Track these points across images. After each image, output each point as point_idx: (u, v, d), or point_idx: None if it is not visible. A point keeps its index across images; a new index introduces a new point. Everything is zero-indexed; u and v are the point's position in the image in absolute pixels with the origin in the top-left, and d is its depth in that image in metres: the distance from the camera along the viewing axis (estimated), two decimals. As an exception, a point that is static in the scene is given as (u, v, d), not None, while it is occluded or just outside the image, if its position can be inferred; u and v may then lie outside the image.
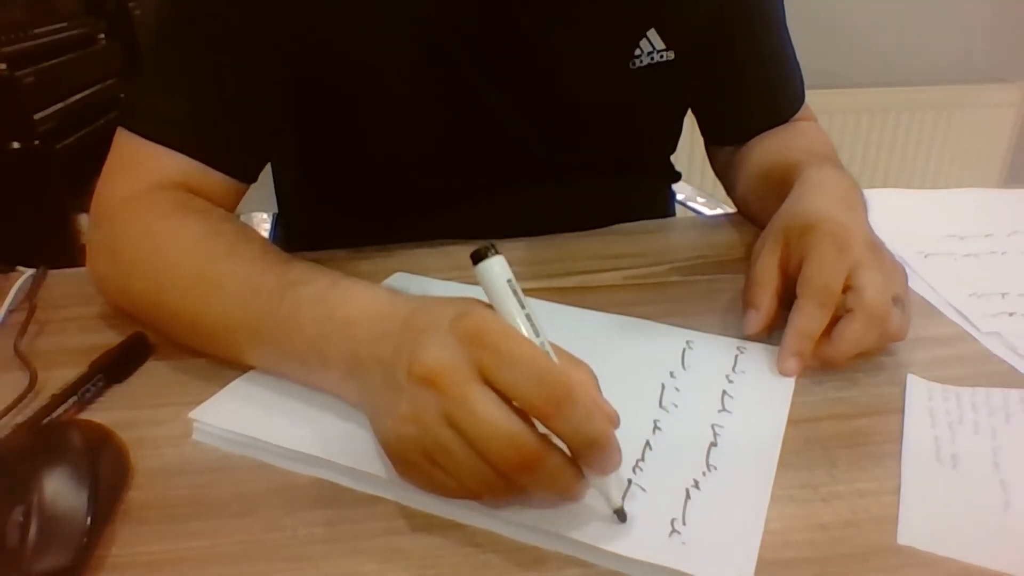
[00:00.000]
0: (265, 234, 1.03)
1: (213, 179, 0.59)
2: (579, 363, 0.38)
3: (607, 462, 0.36)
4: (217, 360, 0.50)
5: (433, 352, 0.36)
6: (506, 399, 0.35)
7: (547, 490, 0.36)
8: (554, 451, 0.35)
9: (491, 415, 0.34)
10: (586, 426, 0.35)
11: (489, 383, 0.35)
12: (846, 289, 0.49)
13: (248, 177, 0.63)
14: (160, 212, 0.55)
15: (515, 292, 0.37)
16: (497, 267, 0.37)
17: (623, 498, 0.38)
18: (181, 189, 0.58)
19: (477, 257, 0.37)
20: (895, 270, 0.52)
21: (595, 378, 0.38)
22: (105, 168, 0.59)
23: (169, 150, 0.57)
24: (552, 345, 0.37)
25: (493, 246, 0.37)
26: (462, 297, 0.39)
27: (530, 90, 0.68)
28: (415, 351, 0.36)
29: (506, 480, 0.35)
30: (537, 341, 0.36)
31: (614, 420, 0.37)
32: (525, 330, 0.36)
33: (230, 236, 0.52)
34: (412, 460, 0.37)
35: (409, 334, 0.38)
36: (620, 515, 0.37)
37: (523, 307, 0.37)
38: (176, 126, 0.58)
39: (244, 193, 0.63)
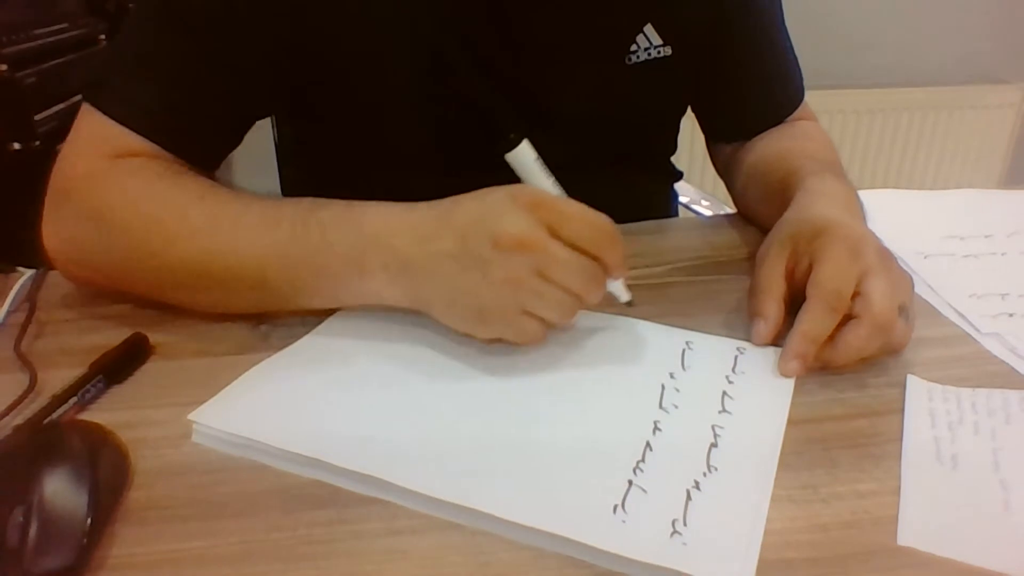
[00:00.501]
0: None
1: (178, 164, 0.60)
2: (593, 211, 0.48)
3: (625, 271, 0.51)
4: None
5: (513, 224, 0.45)
6: (572, 246, 0.46)
7: (597, 298, 0.49)
8: (602, 271, 0.48)
9: (570, 258, 0.46)
10: (622, 252, 0.49)
11: (557, 237, 0.46)
12: (854, 295, 0.49)
13: (209, 165, 0.64)
14: (151, 172, 0.56)
15: (543, 167, 0.50)
16: (526, 151, 0.50)
17: (624, 498, 0.39)
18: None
19: (508, 146, 0.49)
20: (902, 279, 0.52)
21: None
22: (68, 142, 0.59)
23: (133, 133, 0.58)
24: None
25: (517, 135, 0.50)
26: (490, 187, 0.48)
27: (526, 86, 0.67)
28: (495, 228, 0.46)
29: (578, 301, 0.48)
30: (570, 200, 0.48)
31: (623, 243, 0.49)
32: (559, 194, 0.50)
33: (226, 188, 0.56)
34: (508, 317, 0.47)
35: (470, 222, 0.47)
36: (630, 303, 0.54)
37: (549, 177, 0.50)
38: (145, 112, 0.59)
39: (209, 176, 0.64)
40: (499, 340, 0.49)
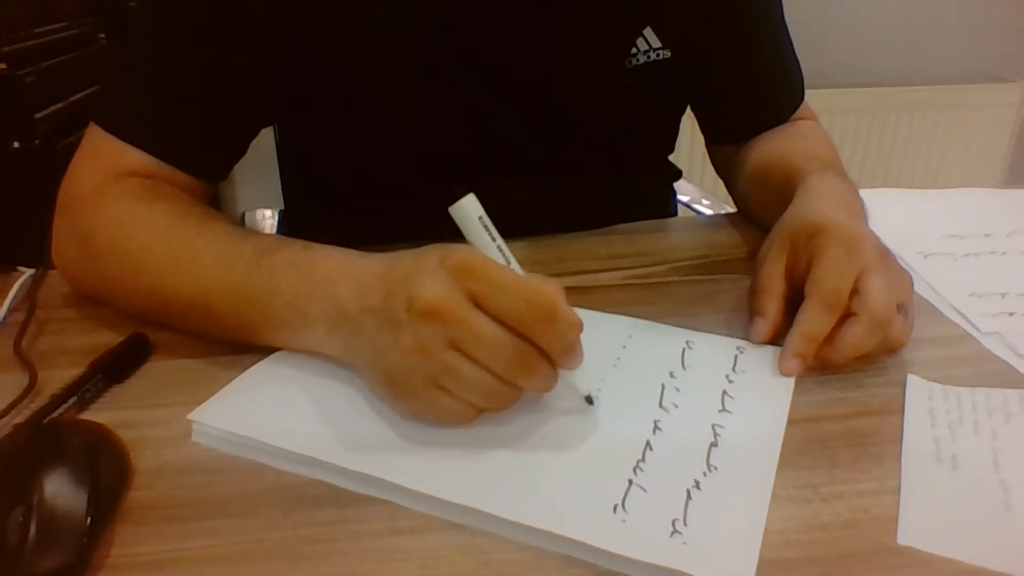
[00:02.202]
0: (271, 231, 1.04)
1: (179, 177, 0.60)
2: (547, 279, 0.42)
3: (577, 361, 0.43)
4: (201, 339, 0.51)
5: (430, 288, 0.40)
6: (499, 321, 0.40)
7: (536, 388, 0.43)
8: (543, 356, 0.41)
9: (492, 333, 0.40)
10: (566, 335, 0.41)
11: (482, 309, 0.40)
12: (852, 293, 0.49)
13: (212, 177, 0.64)
14: (129, 198, 0.56)
15: (487, 227, 0.42)
16: (468, 206, 0.42)
17: (624, 498, 0.39)
18: (153, 179, 0.59)
19: (451, 199, 0.42)
20: (901, 277, 0.52)
21: (563, 290, 0.42)
22: (73, 159, 0.60)
23: (133, 147, 0.58)
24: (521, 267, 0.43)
25: (463, 187, 0.42)
26: (434, 244, 0.43)
27: (525, 89, 0.67)
28: (412, 291, 0.40)
29: (508, 386, 0.42)
30: (511, 268, 0.42)
31: (580, 326, 0.42)
32: (500, 260, 0.42)
33: (199, 217, 0.55)
34: (417, 389, 0.42)
35: (398, 280, 0.42)
36: (589, 400, 0.45)
37: (495, 240, 0.42)
38: (143, 125, 0.59)
39: (211, 191, 0.64)
40: (418, 416, 0.44)
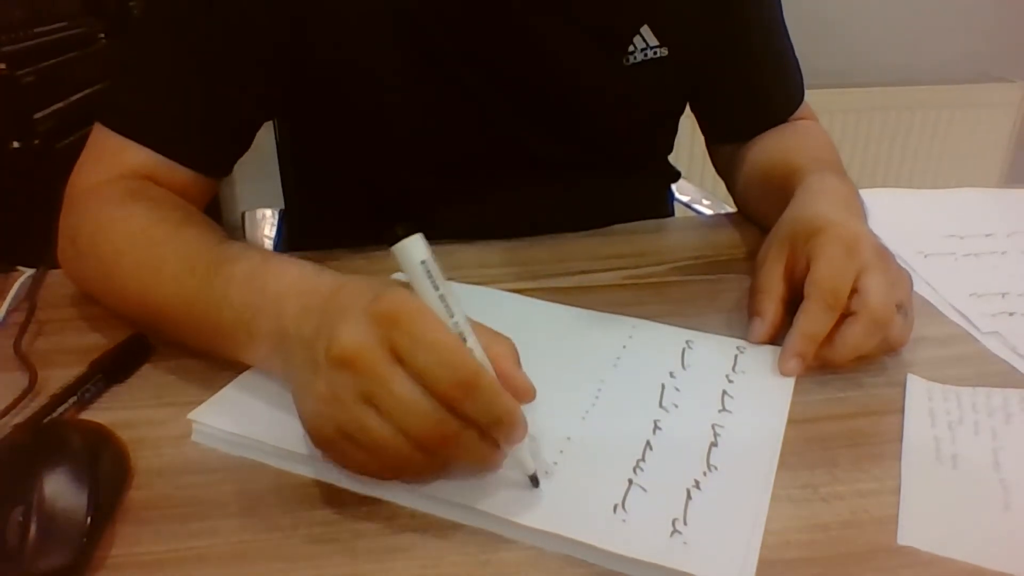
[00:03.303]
0: (271, 231, 1.04)
1: (180, 173, 0.60)
2: (498, 337, 0.39)
3: (513, 436, 0.38)
4: (195, 353, 0.50)
5: (348, 334, 0.37)
6: (420, 382, 0.36)
7: (466, 461, 0.38)
8: (469, 425, 0.37)
9: (407, 393, 0.36)
10: (490, 407, 0.36)
11: (402, 364, 0.36)
12: (852, 293, 0.49)
13: (215, 172, 0.64)
14: (111, 201, 0.56)
15: (429, 273, 0.37)
16: (411, 248, 0.37)
17: (624, 498, 0.39)
18: (146, 180, 0.59)
19: (393, 239, 0.36)
20: (901, 277, 0.52)
21: (515, 351, 0.39)
22: (81, 156, 0.61)
23: (136, 144, 0.59)
24: (472, 321, 0.38)
25: (411, 227, 0.37)
26: (384, 279, 0.41)
27: (524, 87, 0.67)
28: (332, 332, 0.37)
29: (425, 454, 0.37)
30: (451, 322, 0.37)
31: (527, 393, 0.39)
32: (439, 311, 0.37)
33: (174, 222, 0.54)
34: (330, 439, 0.38)
35: (329, 313, 0.39)
36: (534, 481, 0.39)
37: (437, 288, 0.37)
38: (143, 121, 0.59)
39: (214, 187, 0.64)
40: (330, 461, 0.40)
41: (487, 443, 0.38)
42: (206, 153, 0.62)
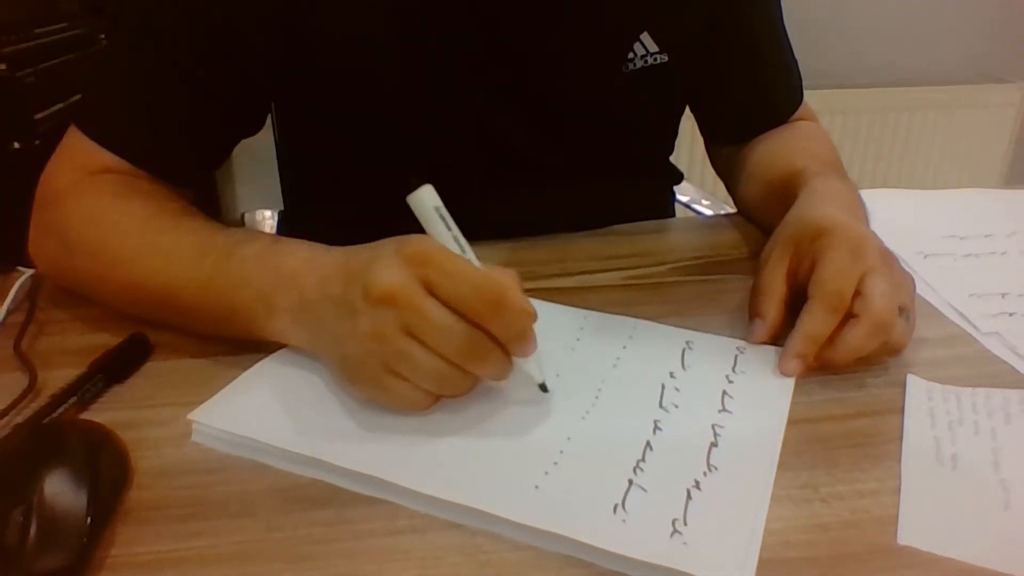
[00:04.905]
0: (271, 231, 1.04)
1: (156, 183, 0.60)
2: (503, 269, 0.43)
3: (529, 348, 0.44)
4: (189, 333, 0.51)
5: (386, 275, 0.41)
6: (451, 308, 0.41)
7: (489, 374, 0.43)
8: (495, 343, 0.42)
9: (446, 320, 0.41)
10: (515, 323, 0.42)
11: (435, 296, 0.41)
12: (855, 295, 0.49)
13: (190, 184, 0.64)
14: (104, 194, 0.57)
15: (443, 217, 0.43)
16: (425, 196, 0.43)
17: (624, 498, 0.39)
18: (135, 175, 0.59)
19: (408, 190, 0.43)
20: (904, 281, 0.52)
21: (519, 280, 0.43)
22: (53, 155, 0.61)
23: (112, 154, 0.59)
24: (477, 258, 0.44)
25: (420, 178, 0.43)
26: (394, 236, 0.44)
27: (524, 94, 0.67)
28: (368, 278, 0.41)
29: (460, 373, 0.42)
30: (465, 257, 0.43)
31: (533, 315, 0.43)
32: (455, 249, 0.43)
33: (174, 212, 0.56)
34: (375, 376, 0.43)
35: (356, 268, 0.43)
36: (543, 387, 0.46)
37: (450, 229, 0.43)
38: (118, 131, 0.60)
39: (192, 193, 0.64)
40: (374, 402, 0.45)
41: (505, 356, 0.43)
42: (177, 165, 0.62)
